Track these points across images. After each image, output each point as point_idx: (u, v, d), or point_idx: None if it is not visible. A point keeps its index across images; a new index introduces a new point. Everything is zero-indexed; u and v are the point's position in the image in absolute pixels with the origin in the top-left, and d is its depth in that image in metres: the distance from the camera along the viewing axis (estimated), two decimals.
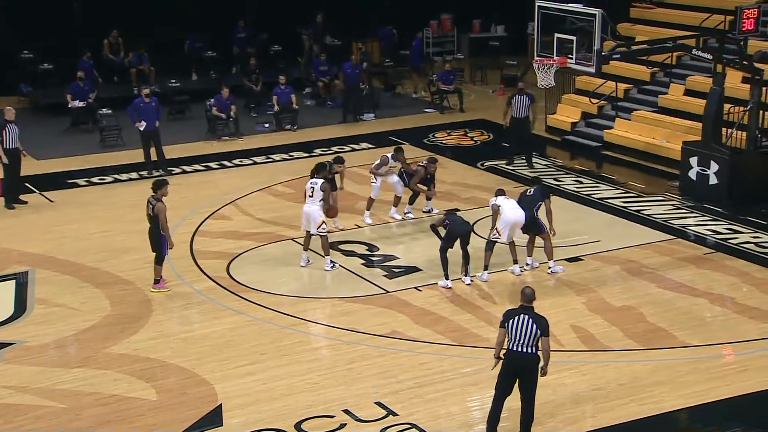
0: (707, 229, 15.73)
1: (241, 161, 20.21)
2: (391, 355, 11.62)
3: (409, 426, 9.97)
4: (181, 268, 14.30)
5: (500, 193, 14.07)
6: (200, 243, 15.37)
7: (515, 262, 13.91)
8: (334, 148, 20.78)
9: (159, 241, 13.34)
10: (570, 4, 16.40)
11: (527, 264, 14.08)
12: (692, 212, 16.56)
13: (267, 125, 22.69)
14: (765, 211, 16.29)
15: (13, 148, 17.32)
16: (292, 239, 15.36)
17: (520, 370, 9.49)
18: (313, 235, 14.13)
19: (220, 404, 10.48)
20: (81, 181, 18.95)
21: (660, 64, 20.96)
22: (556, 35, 16.18)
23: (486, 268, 13.74)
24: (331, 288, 13.72)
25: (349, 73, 23.55)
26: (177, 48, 26.37)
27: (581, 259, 14.38)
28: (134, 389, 10.87)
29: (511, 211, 13.66)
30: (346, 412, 10.25)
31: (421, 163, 16.09)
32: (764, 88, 17.09)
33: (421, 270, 14.14)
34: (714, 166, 16.94)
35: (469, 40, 29.79)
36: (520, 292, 9.76)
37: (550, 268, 13.89)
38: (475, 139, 21.77)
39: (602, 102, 21.36)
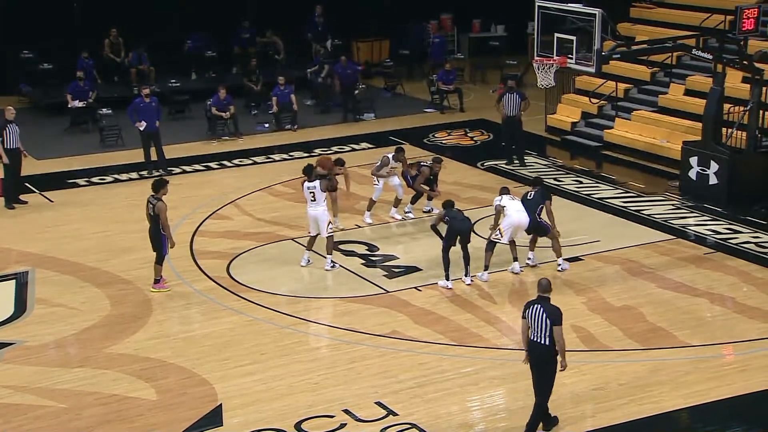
0: (707, 229, 15.73)
1: (241, 161, 20.21)
2: (391, 355, 11.62)
3: (409, 426, 9.97)
4: (181, 267, 14.30)
5: (505, 191, 14.06)
6: (200, 243, 15.37)
7: (515, 259, 13.92)
8: (334, 148, 20.80)
9: (159, 241, 13.35)
10: (570, 4, 16.40)
11: (528, 259, 14.10)
12: (692, 212, 16.56)
13: (267, 125, 22.69)
14: (765, 210, 16.30)
15: (13, 148, 17.32)
16: (292, 239, 15.36)
17: (533, 361, 9.58)
18: (326, 236, 14.11)
19: (220, 404, 10.48)
20: (81, 181, 18.95)
21: (660, 64, 20.95)
22: (556, 35, 16.18)
23: (486, 268, 13.74)
24: (331, 288, 13.72)
25: (341, 74, 23.64)
26: (177, 48, 26.37)
27: (581, 259, 14.38)
28: (134, 389, 10.87)
29: (516, 214, 13.66)
30: (346, 412, 10.25)
31: (425, 163, 16.08)
32: (764, 88, 17.09)
33: (421, 270, 14.14)
34: (714, 166, 16.94)
35: (469, 39, 29.79)
36: (537, 282, 9.83)
37: (559, 265, 13.90)
38: (474, 138, 21.77)
39: (602, 102, 21.36)
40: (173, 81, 24.43)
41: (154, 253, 13.45)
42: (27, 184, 18.29)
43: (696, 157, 17.24)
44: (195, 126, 22.52)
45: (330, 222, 14.13)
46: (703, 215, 16.36)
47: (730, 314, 12.66)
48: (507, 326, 12.33)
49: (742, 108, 17.34)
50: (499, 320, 12.51)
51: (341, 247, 14.97)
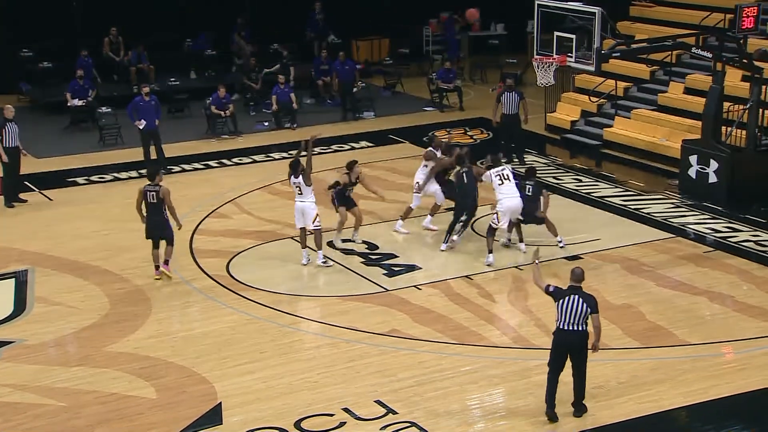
0: (707, 228, 15.73)
1: (240, 160, 20.20)
2: (390, 353, 11.62)
3: (409, 424, 9.97)
4: (181, 266, 14.30)
5: (494, 162, 14.60)
6: (200, 241, 15.37)
7: (521, 240, 14.44)
8: (334, 146, 20.79)
9: (164, 224, 13.56)
10: (570, 2, 16.40)
11: (507, 239, 14.66)
12: (692, 210, 16.56)
13: (266, 124, 22.70)
14: (764, 209, 16.30)
15: (12, 147, 17.31)
16: (291, 238, 15.36)
17: (571, 348, 9.80)
18: (309, 230, 14.07)
19: (220, 402, 10.48)
20: (80, 180, 18.95)
21: (660, 62, 20.94)
22: (556, 33, 16.17)
23: (490, 251, 14.07)
24: (331, 286, 13.72)
25: (339, 71, 23.68)
26: (176, 46, 26.36)
27: (581, 258, 14.38)
28: (134, 388, 10.87)
29: (509, 200, 14.00)
30: (346, 410, 10.25)
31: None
32: (764, 87, 17.08)
33: (420, 268, 14.14)
34: (714, 165, 16.94)
35: (468, 38, 29.78)
36: (570, 271, 9.95)
37: (560, 242, 14.46)
38: (474, 137, 21.77)
39: (602, 100, 21.36)
40: (173, 80, 24.43)
41: (162, 240, 13.67)
42: (27, 183, 18.28)
43: (696, 156, 17.24)
44: (194, 125, 22.52)
45: (318, 215, 13.94)
46: (703, 214, 16.37)
47: (730, 313, 12.66)
48: (506, 325, 12.32)
49: (741, 106, 17.34)
50: (499, 319, 12.51)
51: (342, 245, 14.95)
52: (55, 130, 22.54)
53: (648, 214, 16.40)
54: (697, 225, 15.87)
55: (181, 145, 20.92)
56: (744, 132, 17.14)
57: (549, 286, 9.96)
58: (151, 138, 19.15)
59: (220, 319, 12.62)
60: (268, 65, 24.67)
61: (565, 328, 9.73)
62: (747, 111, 17.06)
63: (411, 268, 14.17)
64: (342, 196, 14.79)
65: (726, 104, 17.40)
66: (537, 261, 10.38)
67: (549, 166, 19.40)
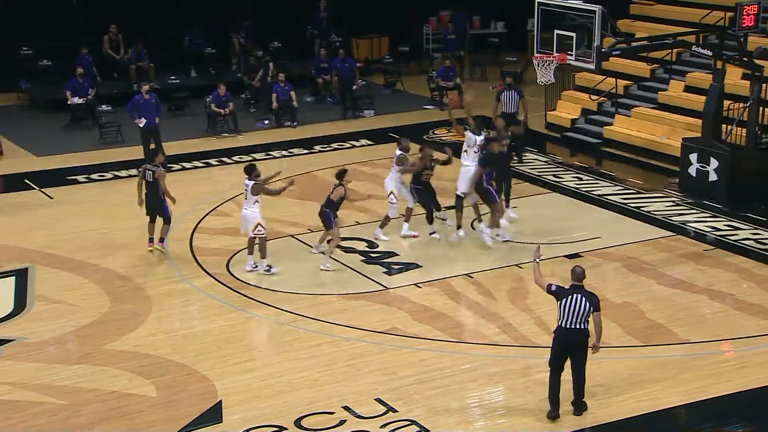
0: (707, 226, 15.74)
1: (240, 158, 20.19)
2: (390, 351, 11.62)
3: (409, 422, 9.97)
4: (181, 264, 14.31)
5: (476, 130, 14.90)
6: (200, 239, 15.37)
7: (479, 220, 14.84)
8: (334, 145, 20.79)
9: (161, 204, 14.12)
10: (570, 1, 16.38)
11: (497, 235, 14.77)
12: (692, 209, 16.56)
13: (267, 122, 22.69)
14: (765, 207, 16.29)
15: None
16: (291, 236, 15.37)
17: (571, 347, 9.82)
18: (251, 237, 13.70)
19: (220, 401, 10.49)
20: (80, 178, 18.95)
21: (660, 60, 20.93)
22: (556, 32, 16.15)
23: (459, 227, 14.71)
24: (331, 285, 13.72)
25: (339, 68, 23.71)
26: (176, 44, 26.35)
27: (581, 256, 14.38)
28: (134, 386, 10.87)
29: (464, 169, 14.70)
30: (346, 408, 10.26)
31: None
32: (764, 85, 17.07)
33: (420, 266, 14.15)
34: (714, 163, 16.94)
35: (468, 36, 29.77)
36: (570, 270, 9.95)
37: (498, 236, 14.73)
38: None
39: (602, 99, 21.35)
40: (173, 78, 24.42)
41: (160, 218, 14.19)
42: (27, 181, 18.29)
43: (696, 154, 17.24)
44: (194, 123, 22.51)
45: (260, 224, 13.56)
46: (703, 212, 16.37)
47: (730, 311, 12.66)
48: (506, 323, 12.33)
49: (742, 105, 17.33)
50: (499, 317, 12.51)
51: (341, 243, 14.95)
52: (55, 128, 22.52)
53: (648, 212, 16.40)
54: (697, 223, 15.87)
55: (182, 143, 20.91)
56: (744, 130, 17.13)
57: (551, 285, 9.96)
58: (151, 136, 19.13)
59: (220, 317, 12.62)
60: (252, 77, 24.29)
61: (567, 326, 9.74)
62: (747, 109, 17.04)
63: (411, 266, 14.17)
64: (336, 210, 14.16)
65: (726, 102, 17.40)
66: (537, 260, 10.36)
67: (549, 164, 19.39)
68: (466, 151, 15.02)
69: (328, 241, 14.28)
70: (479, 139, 14.96)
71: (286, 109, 22.57)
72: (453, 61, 25.06)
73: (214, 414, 10.24)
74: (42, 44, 24.91)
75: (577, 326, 9.74)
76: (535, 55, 16.61)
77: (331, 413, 10.18)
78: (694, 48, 16.93)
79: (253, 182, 13.67)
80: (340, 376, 11.00)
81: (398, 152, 15.12)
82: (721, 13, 19.47)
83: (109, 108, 21.82)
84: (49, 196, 17.92)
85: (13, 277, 14.08)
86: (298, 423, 10.00)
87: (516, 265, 14.13)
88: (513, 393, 10.62)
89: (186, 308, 13.08)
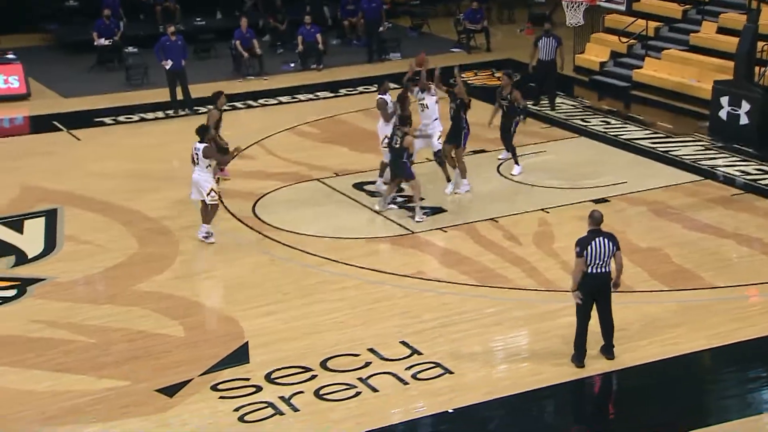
0: (736, 170, 15.55)
1: (266, 101, 20.15)
2: (415, 295, 11.68)
3: (433, 365, 10.05)
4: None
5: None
6: (225, 183, 15.41)
7: (447, 180, 14.56)
8: (360, 88, 20.67)
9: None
10: None
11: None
12: (721, 153, 16.36)
13: (292, 65, 22.58)
14: None
15: None
16: (317, 179, 15.38)
17: (598, 290, 9.80)
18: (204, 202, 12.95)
19: (246, 342, 10.60)
20: (107, 120, 19.02)
21: (693, 1, 20.52)
22: None
23: (448, 179, 14.57)
24: (357, 228, 13.74)
25: (366, 9, 23.45)
26: None
27: (607, 200, 14.29)
28: (161, 326, 11.02)
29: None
30: (371, 350, 10.35)
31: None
32: None
33: (446, 211, 14.13)
34: (745, 106, 16.68)
35: None
36: (588, 216, 9.90)
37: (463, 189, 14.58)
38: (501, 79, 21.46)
39: (632, 41, 21.00)
40: (198, 19, 24.28)
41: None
42: (55, 122, 18.38)
43: (727, 97, 16.97)
44: (220, 65, 22.45)
45: (213, 189, 12.86)
46: (733, 156, 16.17)
47: (757, 255, 12.57)
48: (531, 267, 12.32)
49: None
50: (524, 261, 12.50)
51: (366, 187, 14.95)
52: (82, 70, 22.56)
53: (677, 156, 16.23)
54: (726, 167, 15.69)
55: (207, 85, 20.84)
56: None
57: (577, 250, 9.71)
58: (177, 78, 19.12)
59: (246, 260, 12.71)
60: (276, 18, 24.08)
61: (594, 271, 9.70)
62: None
63: (437, 210, 14.16)
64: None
65: (760, 44, 17.06)
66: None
67: (577, 107, 19.18)
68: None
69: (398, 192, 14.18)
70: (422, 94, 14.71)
71: (311, 51, 22.43)
72: (480, 4, 24.69)
73: (241, 355, 10.36)
74: None
75: (603, 269, 9.73)
76: None
77: (357, 355, 10.27)
78: None
79: (204, 145, 12.82)
80: (365, 319, 11.07)
81: (379, 97, 14.67)
82: None
83: (135, 50, 21.78)
84: (76, 138, 18.02)
85: (43, 218, 14.24)
86: (323, 364, 10.10)
87: (542, 209, 14.08)
88: (537, 337, 10.65)
89: (212, 251, 13.17)
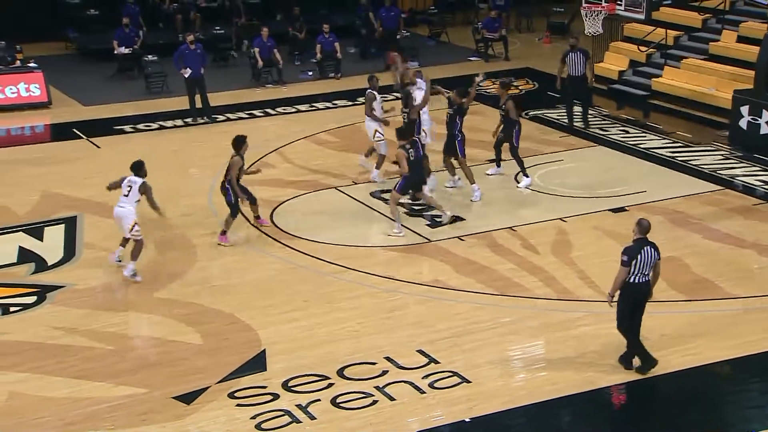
0: (757, 180, 15.45)
1: (284, 109, 20.21)
2: (432, 303, 11.66)
3: (451, 374, 10.02)
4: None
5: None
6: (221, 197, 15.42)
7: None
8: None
9: (226, 192, 13.20)
10: None
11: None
12: (741, 162, 16.26)
13: (311, 73, 22.64)
14: None
15: None
16: (335, 188, 15.40)
17: (641, 299, 9.74)
18: (127, 238, 12.51)
19: (264, 349, 10.61)
20: (127, 128, 19.12)
21: (712, 10, 20.44)
22: None
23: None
24: (374, 237, 13.75)
25: (384, 17, 23.49)
26: None
27: (626, 210, 14.23)
28: (178, 333, 11.04)
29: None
30: (388, 359, 10.33)
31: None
32: None
33: (464, 219, 14.11)
34: (766, 115, 16.58)
35: None
36: (636, 224, 9.77)
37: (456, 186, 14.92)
38: (519, 87, 21.50)
39: (651, 50, 20.93)
40: (217, 28, 24.42)
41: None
42: (75, 130, 18.49)
43: (747, 106, 16.87)
44: (239, 73, 22.54)
45: (136, 223, 12.30)
46: (753, 165, 16.07)
47: None
48: (549, 276, 12.27)
49: None
50: (542, 270, 12.46)
51: (384, 195, 14.95)
52: (102, 78, 22.71)
53: (696, 165, 16.14)
54: (746, 177, 15.59)
55: (226, 93, 20.97)
56: None
57: (622, 260, 9.57)
58: (196, 86, 19.21)
59: (264, 268, 12.73)
60: (295, 27, 24.17)
61: (637, 281, 9.62)
62: None
63: (454, 219, 14.13)
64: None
65: None
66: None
67: (595, 117, 19.12)
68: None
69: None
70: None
71: (329, 60, 22.49)
72: (498, 12, 24.68)
73: (258, 362, 10.37)
74: None
75: (647, 278, 9.67)
76: (584, 5, 16.37)
77: (374, 363, 10.26)
78: None
79: (143, 181, 12.36)
80: (382, 327, 11.06)
81: (368, 91, 15.39)
82: None
83: (155, 58, 21.92)
84: (96, 146, 18.13)
85: (63, 225, 14.33)
86: (340, 373, 10.10)
87: (560, 218, 14.03)
88: (554, 346, 10.61)
89: (230, 258, 13.19)
